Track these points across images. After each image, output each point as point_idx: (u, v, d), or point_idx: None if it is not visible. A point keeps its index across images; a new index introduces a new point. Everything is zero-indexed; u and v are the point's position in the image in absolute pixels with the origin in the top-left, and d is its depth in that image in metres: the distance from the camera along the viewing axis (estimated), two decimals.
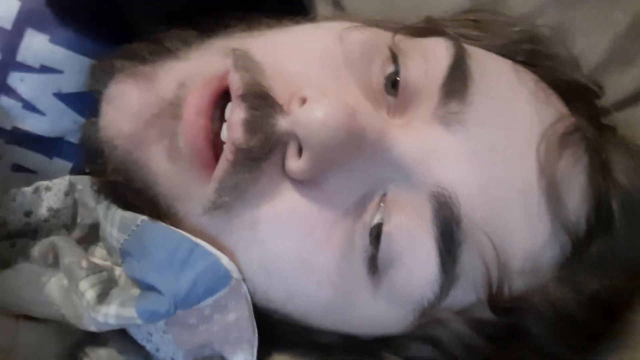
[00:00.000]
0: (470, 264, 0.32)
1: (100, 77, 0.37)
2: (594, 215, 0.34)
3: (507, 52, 0.40)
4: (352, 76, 0.35)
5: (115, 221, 0.36)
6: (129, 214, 0.36)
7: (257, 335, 0.35)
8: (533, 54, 0.40)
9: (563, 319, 0.33)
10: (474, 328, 0.34)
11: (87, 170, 0.41)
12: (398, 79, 0.35)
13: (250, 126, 0.32)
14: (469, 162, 0.33)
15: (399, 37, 0.37)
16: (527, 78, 0.36)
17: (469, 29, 0.41)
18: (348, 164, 0.33)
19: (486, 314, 0.33)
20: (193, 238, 0.34)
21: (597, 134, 0.35)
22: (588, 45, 0.47)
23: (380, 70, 0.36)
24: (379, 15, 0.44)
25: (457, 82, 0.34)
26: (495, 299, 0.33)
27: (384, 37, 0.37)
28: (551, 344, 0.34)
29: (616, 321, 0.36)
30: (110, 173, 0.35)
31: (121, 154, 0.35)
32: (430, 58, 0.35)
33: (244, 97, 0.33)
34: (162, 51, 0.37)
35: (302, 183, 0.33)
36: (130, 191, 0.35)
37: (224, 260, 0.33)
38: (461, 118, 0.33)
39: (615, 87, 0.48)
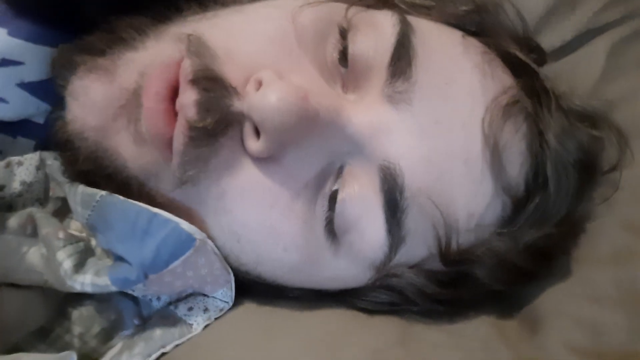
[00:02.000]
0: (417, 225, 0.35)
1: (61, 73, 0.37)
2: (532, 178, 0.37)
3: (457, 22, 0.41)
4: (307, 54, 0.36)
5: (78, 198, 0.37)
6: (89, 190, 0.37)
7: (232, 274, 0.37)
8: (482, 25, 0.42)
9: (504, 265, 0.37)
10: (427, 277, 0.37)
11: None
12: (348, 53, 0.36)
13: (204, 106, 0.33)
14: (413, 136, 0.35)
15: (352, 10, 0.38)
16: (474, 51, 0.38)
17: None
18: (306, 142, 0.34)
19: (438, 265, 0.37)
20: (151, 208, 0.35)
21: (535, 103, 0.38)
22: None
23: (333, 46, 0.37)
24: None
25: (402, 60, 0.35)
26: (445, 253, 0.36)
27: (337, 12, 0.38)
28: (493, 284, 0.38)
29: (551, 261, 0.40)
30: (82, 162, 0.36)
31: (92, 144, 0.36)
32: (379, 33, 0.36)
33: (194, 82, 0.33)
34: (119, 42, 0.37)
35: (264, 159, 0.34)
36: (102, 177, 0.36)
37: (184, 225, 0.35)
38: (406, 97, 0.35)
39: (557, 34, 0.51)
